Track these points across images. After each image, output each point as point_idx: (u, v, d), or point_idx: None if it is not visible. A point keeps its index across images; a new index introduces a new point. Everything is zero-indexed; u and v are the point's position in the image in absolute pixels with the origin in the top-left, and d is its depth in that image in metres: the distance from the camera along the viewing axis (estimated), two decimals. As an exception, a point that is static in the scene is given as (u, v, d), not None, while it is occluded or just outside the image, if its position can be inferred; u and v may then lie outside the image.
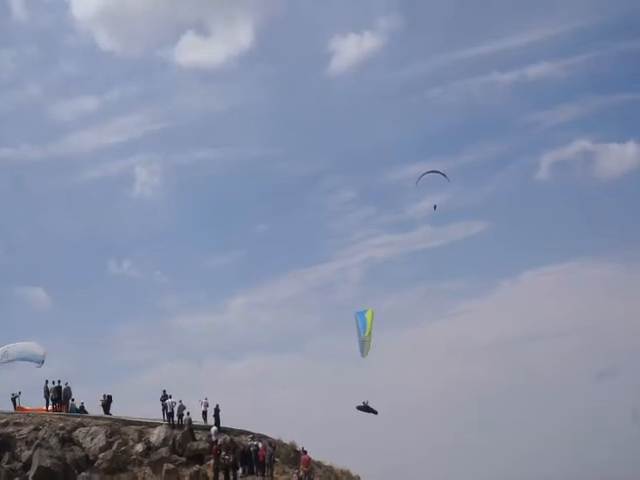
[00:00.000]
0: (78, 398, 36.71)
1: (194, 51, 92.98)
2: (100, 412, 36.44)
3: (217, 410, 35.39)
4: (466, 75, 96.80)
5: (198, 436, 34.03)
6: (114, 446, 32.62)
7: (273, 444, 34.79)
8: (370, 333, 31.62)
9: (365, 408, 31.84)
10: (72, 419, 34.65)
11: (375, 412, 31.94)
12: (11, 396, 36.77)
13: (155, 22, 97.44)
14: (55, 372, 37.20)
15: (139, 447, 32.98)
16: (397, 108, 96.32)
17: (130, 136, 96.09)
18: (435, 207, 34.64)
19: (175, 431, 33.84)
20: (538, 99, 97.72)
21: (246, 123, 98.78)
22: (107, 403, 36.81)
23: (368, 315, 32.12)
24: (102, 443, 32.67)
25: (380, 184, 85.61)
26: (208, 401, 35.66)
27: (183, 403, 34.57)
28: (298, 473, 31.94)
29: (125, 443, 33.13)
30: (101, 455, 32.20)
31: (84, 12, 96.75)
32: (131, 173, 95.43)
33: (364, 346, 31.70)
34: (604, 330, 76.99)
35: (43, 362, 36.58)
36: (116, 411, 36.68)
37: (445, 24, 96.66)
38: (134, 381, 66.87)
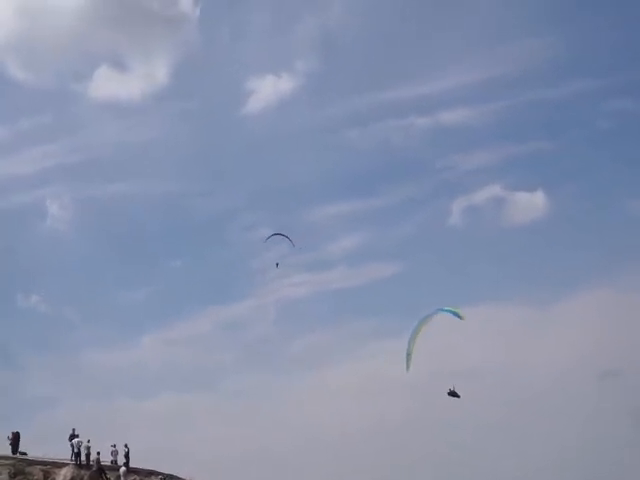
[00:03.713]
0: (-18, 436, 35.78)
1: (109, 85, 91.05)
2: (6, 451, 35.62)
3: (127, 450, 35.28)
4: (383, 118, 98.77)
5: (107, 476, 33.80)
6: (18, 487, 32.11)
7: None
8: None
9: (453, 393, 34.60)
10: (-26, 459, 33.82)
11: (459, 396, 34.71)
12: None
13: (69, 54, 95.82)
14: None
15: (44, 488, 32.54)
16: (315, 148, 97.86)
17: (41, 167, 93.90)
18: (277, 265, 36.14)
19: (82, 471, 33.50)
20: (453, 144, 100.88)
21: (161, 158, 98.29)
22: (15, 441, 36.03)
23: (457, 310, 32.50)
24: (5, 484, 32.08)
25: (296, 223, 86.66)
26: (117, 448, 35.34)
27: (89, 443, 34.26)
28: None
29: (30, 484, 32.63)
30: (4, 496, 31.63)
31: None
32: (42, 205, 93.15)
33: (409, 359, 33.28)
34: (519, 370, 79.74)
35: None
36: (23, 449, 35.89)
37: (362, 67, 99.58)
38: (42, 419, 64.85)
